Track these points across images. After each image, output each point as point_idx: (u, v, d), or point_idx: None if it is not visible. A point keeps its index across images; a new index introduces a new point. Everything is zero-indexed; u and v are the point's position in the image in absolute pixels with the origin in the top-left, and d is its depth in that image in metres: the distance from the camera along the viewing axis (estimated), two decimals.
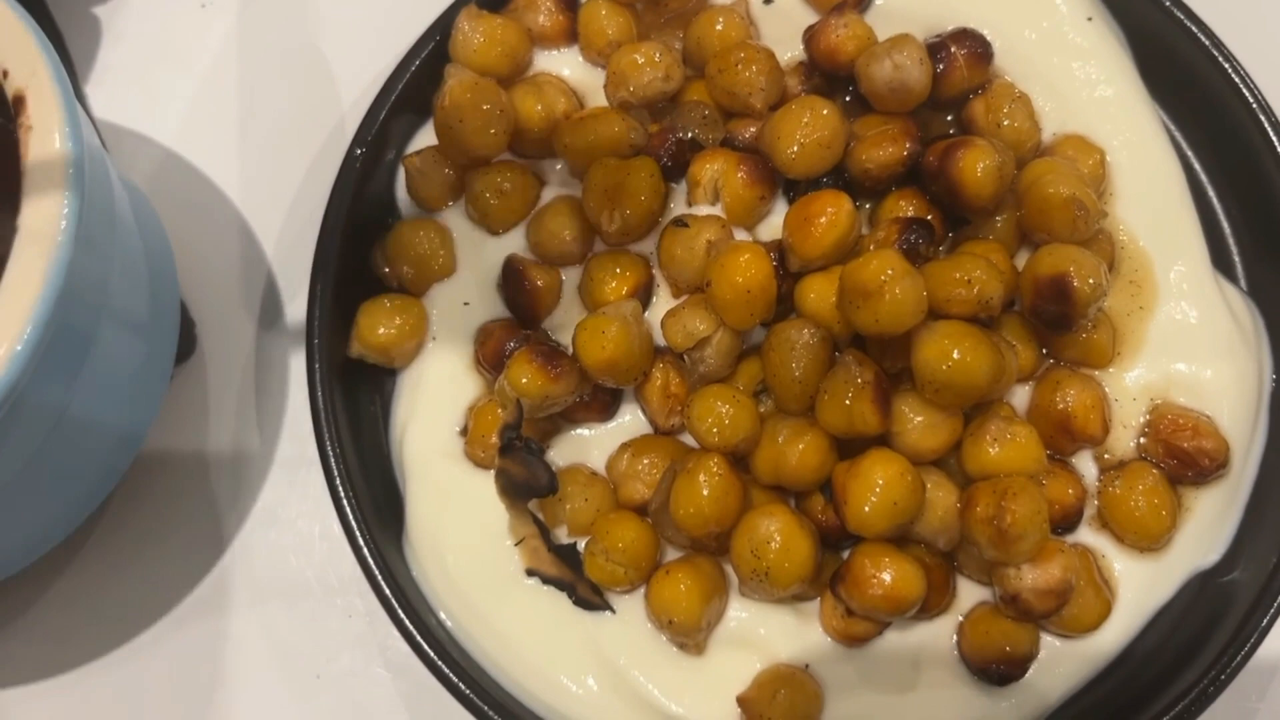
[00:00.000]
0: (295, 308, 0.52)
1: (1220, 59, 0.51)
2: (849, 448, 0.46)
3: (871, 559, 0.44)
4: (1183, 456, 0.47)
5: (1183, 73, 0.52)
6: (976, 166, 0.47)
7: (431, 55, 0.52)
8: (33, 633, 0.52)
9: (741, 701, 0.45)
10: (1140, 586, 0.47)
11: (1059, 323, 0.46)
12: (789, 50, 0.53)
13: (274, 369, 0.55)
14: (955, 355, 0.43)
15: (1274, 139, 0.50)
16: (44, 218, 0.39)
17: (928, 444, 0.45)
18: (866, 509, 0.43)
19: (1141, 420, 0.49)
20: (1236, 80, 0.51)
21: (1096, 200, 0.48)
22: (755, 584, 0.44)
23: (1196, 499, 0.48)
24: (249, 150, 0.59)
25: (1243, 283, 0.52)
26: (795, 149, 0.48)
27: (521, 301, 0.50)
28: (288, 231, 0.57)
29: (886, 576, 0.43)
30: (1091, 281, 0.45)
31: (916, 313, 0.43)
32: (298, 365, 0.49)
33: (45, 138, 0.40)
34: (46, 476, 0.45)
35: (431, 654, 0.45)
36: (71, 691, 0.51)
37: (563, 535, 0.48)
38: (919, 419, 0.45)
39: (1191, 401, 0.49)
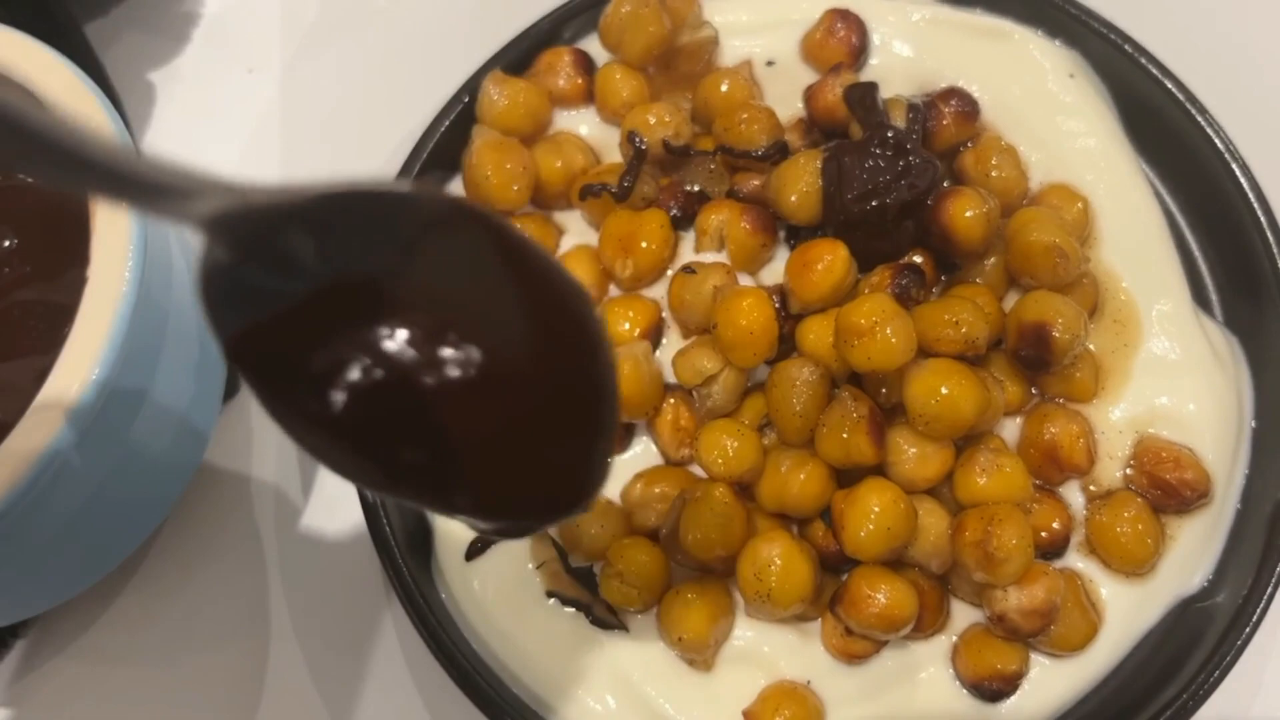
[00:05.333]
0: None
1: (1194, 111, 0.54)
2: (847, 477, 0.48)
3: (868, 581, 0.47)
4: (1166, 487, 0.49)
5: (1160, 124, 0.55)
6: (965, 213, 0.50)
7: (460, 116, 0.56)
8: (92, 653, 0.55)
9: (747, 716, 0.48)
10: (1127, 610, 0.49)
11: (1038, 365, 0.49)
12: (790, 108, 0.56)
13: None
14: (944, 391, 0.46)
15: (1244, 183, 0.53)
16: (110, 272, 0.44)
17: (921, 474, 0.48)
18: (863, 534, 0.46)
19: (1127, 452, 0.51)
20: (1209, 131, 0.54)
21: (1078, 247, 0.50)
22: (759, 605, 0.47)
23: (1180, 527, 0.50)
24: None
25: (1219, 315, 0.55)
26: (796, 198, 0.51)
27: None
28: None
29: (881, 597, 0.46)
30: (1070, 331, 0.47)
31: (907, 351, 0.46)
32: None
33: None
34: (107, 506, 0.48)
35: (461, 672, 0.48)
36: (126, 712, 0.54)
37: (580, 559, 0.51)
38: (912, 450, 0.48)
39: (1175, 433, 0.51)
